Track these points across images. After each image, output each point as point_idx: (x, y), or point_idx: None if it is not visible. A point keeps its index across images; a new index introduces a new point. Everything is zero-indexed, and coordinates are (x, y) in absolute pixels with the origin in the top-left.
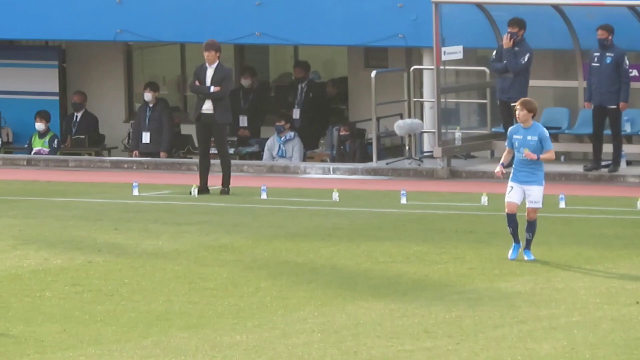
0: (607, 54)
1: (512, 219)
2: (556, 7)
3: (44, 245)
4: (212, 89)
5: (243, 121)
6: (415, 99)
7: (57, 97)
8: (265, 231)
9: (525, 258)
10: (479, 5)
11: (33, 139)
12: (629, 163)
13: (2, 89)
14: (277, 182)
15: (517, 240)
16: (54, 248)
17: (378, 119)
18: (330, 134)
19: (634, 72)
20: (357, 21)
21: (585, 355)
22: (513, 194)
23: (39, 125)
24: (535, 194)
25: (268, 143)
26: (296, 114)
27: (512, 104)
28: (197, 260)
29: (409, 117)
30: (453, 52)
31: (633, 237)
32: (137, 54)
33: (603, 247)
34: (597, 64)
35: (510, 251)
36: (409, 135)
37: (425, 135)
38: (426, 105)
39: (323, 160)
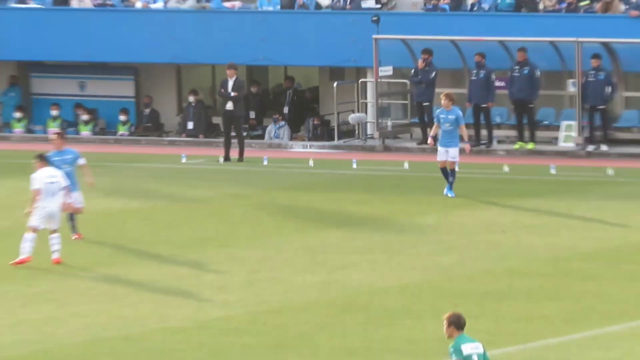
0: (481, 71)
1: (443, 170)
2: (452, 41)
3: (125, 194)
4: (232, 94)
5: (252, 115)
6: (362, 100)
7: (133, 99)
8: (267, 185)
9: (449, 195)
10: (403, 40)
11: (118, 126)
12: (498, 142)
13: (98, 94)
14: (273, 154)
15: (448, 182)
16: (132, 196)
17: (338, 113)
18: (307, 123)
19: (502, 83)
20: (326, 49)
21: (470, 265)
22: (442, 154)
23: (122, 118)
24: (453, 152)
25: (268, 129)
26: (286, 110)
27: (424, 104)
28: (222, 204)
29: (358, 112)
30: (386, 70)
31: (500, 189)
32: (184, 71)
33: (482, 195)
34: (475, 78)
35: (445, 190)
36: (358, 124)
37: (368, 124)
38: (369, 105)
39: (303, 140)
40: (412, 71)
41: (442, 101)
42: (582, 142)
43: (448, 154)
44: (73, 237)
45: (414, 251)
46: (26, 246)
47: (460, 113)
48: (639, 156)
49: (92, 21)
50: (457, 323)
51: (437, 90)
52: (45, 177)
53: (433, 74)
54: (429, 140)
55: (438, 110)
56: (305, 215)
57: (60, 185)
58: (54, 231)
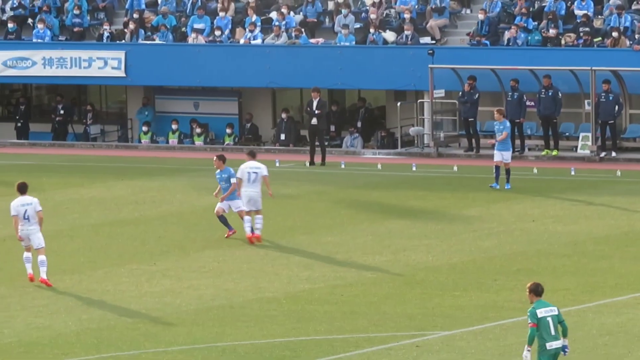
0: (515, 93)
1: (497, 168)
2: (492, 70)
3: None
4: (317, 112)
5: (332, 128)
6: (420, 117)
7: (237, 116)
8: (343, 184)
9: (507, 187)
10: (452, 69)
11: (225, 137)
12: (529, 149)
13: (209, 112)
14: (349, 160)
15: (497, 181)
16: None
17: (401, 127)
18: (376, 135)
19: (532, 103)
20: (391, 76)
21: (506, 247)
22: (497, 156)
23: (228, 131)
24: (507, 155)
25: (345, 139)
26: (359, 124)
27: (470, 119)
28: (308, 199)
29: (417, 126)
30: (439, 93)
31: (531, 187)
32: (278, 93)
33: (517, 192)
34: (510, 99)
35: (494, 184)
36: (417, 135)
37: (425, 135)
38: (426, 120)
39: (372, 149)
40: (460, 93)
41: (495, 115)
42: (596, 150)
43: (502, 156)
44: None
45: (461, 237)
46: (245, 226)
47: (508, 124)
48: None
49: (204, 54)
50: (535, 290)
51: (480, 108)
52: (248, 168)
53: (476, 96)
54: (489, 143)
55: (495, 122)
56: (374, 208)
57: (260, 175)
58: (258, 212)
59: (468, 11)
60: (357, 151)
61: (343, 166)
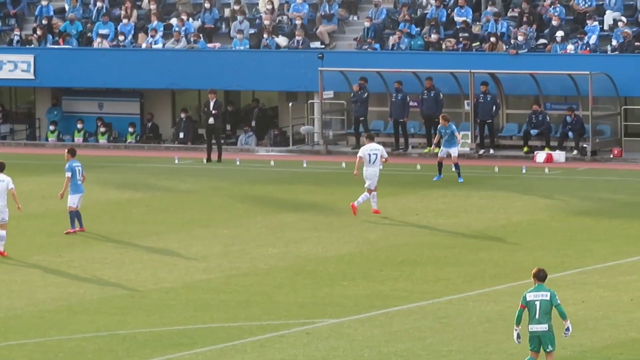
0: (399, 94)
1: (440, 164)
2: (378, 72)
3: (132, 187)
4: (213, 112)
5: (228, 127)
6: (310, 116)
7: (139, 116)
8: (238, 180)
9: (460, 181)
10: (341, 72)
11: (127, 136)
12: (412, 147)
13: (112, 112)
14: (244, 157)
15: (440, 173)
16: (136, 189)
17: (293, 126)
18: (269, 133)
19: (415, 103)
20: (284, 78)
21: (391, 239)
22: (443, 153)
23: (130, 130)
24: (454, 151)
25: (240, 137)
26: (253, 123)
27: (360, 118)
28: (205, 194)
29: (308, 125)
30: (328, 94)
31: (414, 182)
32: (177, 94)
33: (399, 187)
34: (394, 99)
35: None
36: (308, 134)
37: (315, 133)
38: (316, 119)
39: (266, 146)
40: (352, 94)
41: (441, 121)
42: (475, 147)
43: (449, 151)
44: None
45: (349, 229)
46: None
47: (454, 127)
48: (517, 158)
49: (108, 58)
50: (537, 275)
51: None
52: (368, 149)
53: (366, 95)
54: (432, 146)
55: (439, 126)
56: (268, 202)
57: (379, 155)
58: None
59: (355, 18)
60: (252, 149)
61: (238, 163)
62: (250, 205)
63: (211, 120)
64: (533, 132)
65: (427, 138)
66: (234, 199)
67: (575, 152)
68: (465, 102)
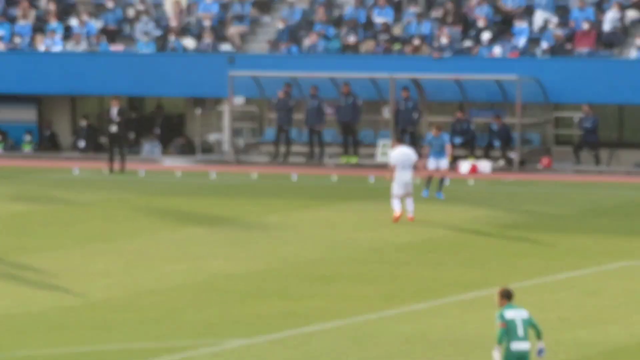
0: (314, 101)
1: (430, 178)
2: (292, 77)
3: (29, 199)
4: (116, 119)
5: (132, 135)
6: (220, 123)
7: (36, 123)
8: (143, 191)
9: (441, 198)
10: (252, 76)
11: (23, 145)
12: (329, 157)
13: (7, 119)
14: (148, 167)
15: (439, 186)
16: (34, 201)
17: (201, 134)
18: (176, 142)
19: (331, 110)
20: (191, 83)
21: (306, 254)
22: (432, 164)
23: (27, 138)
24: (444, 163)
25: (144, 146)
26: (157, 131)
27: (284, 127)
28: (107, 206)
29: (217, 133)
30: (239, 100)
31: (330, 195)
32: (77, 100)
33: (315, 199)
34: (310, 106)
35: (436, 194)
36: (217, 142)
37: (224, 142)
38: (225, 127)
39: (172, 156)
40: (276, 100)
41: (433, 131)
42: None
43: (439, 164)
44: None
45: (261, 244)
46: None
47: (447, 137)
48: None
49: (3, 61)
50: (505, 294)
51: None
52: (400, 154)
53: (292, 103)
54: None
55: (429, 136)
56: (175, 215)
57: (412, 160)
58: (409, 195)
59: (268, 18)
60: (157, 158)
61: (142, 174)
62: (156, 218)
63: (114, 129)
64: (457, 140)
65: (344, 147)
66: (138, 212)
67: (501, 162)
68: (385, 108)
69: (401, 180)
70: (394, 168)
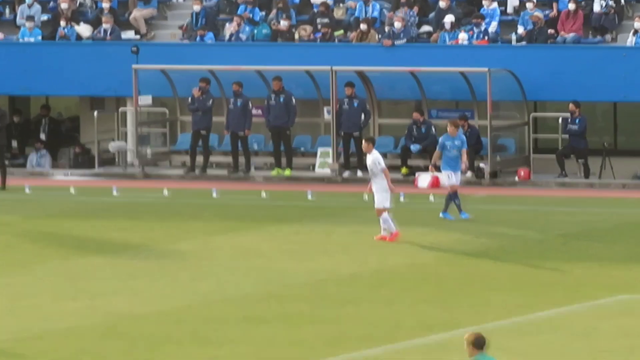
0: (238, 100)
1: (457, 194)
2: (210, 71)
3: None
4: None
5: (14, 144)
6: (122, 129)
7: None
8: (29, 212)
9: (464, 217)
10: (162, 70)
11: None
12: (256, 168)
13: None
14: (35, 182)
15: (461, 210)
16: None
17: (99, 142)
18: (68, 152)
19: (259, 111)
20: (86, 79)
21: (230, 290)
22: (453, 179)
23: None
24: (458, 177)
25: (29, 157)
26: (43, 138)
27: (202, 132)
28: None
29: (119, 140)
30: (146, 99)
31: (259, 216)
32: None
33: (240, 221)
34: (233, 107)
35: (456, 216)
36: (118, 152)
37: (128, 151)
38: (129, 133)
39: (64, 168)
40: (190, 99)
41: (448, 128)
42: (337, 169)
43: (454, 178)
44: None
45: (174, 277)
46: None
47: (465, 138)
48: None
49: None
50: (475, 342)
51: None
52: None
53: (210, 102)
54: (430, 168)
55: (442, 137)
56: (68, 242)
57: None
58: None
59: (180, 0)
60: (45, 172)
61: (28, 190)
62: (44, 245)
63: None
64: (414, 147)
65: (276, 156)
66: (23, 238)
67: (469, 173)
68: (325, 109)
69: (386, 188)
70: (387, 174)
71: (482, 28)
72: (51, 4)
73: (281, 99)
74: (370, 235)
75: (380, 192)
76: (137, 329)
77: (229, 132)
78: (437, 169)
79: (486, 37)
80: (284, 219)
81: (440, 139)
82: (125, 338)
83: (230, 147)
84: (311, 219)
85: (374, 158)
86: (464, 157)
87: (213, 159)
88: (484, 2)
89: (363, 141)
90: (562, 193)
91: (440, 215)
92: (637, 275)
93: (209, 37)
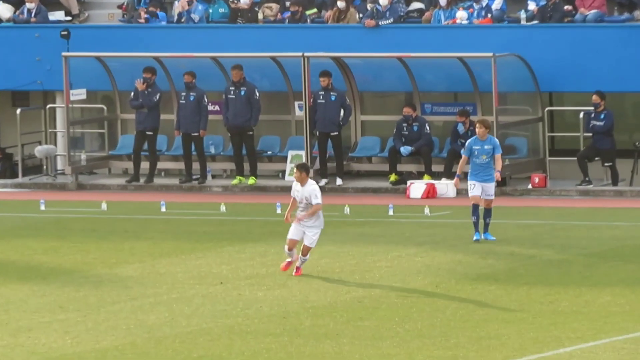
0: (191, 94)
1: (476, 209)
2: (155, 58)
3: None
4: None
5: None
6: (50, 130)
7: None
8: None
9: (488, 239)
10: (98, 58)
11: None
12: (213, 177)
13: None
14: None
15: (477, 230)
16: None
17: (23, 145)
18: None
19: (216, 107)
20: (6, 70)
21: (182, 323)
22: (476, 189)
23: None
24: (491, 189)
25: None
26: None
27: (147, 132)
28: None
29: (47, 143)
30: (79, 93)
31: (217, 233)
32: None
33: (195, 241)
34: (184, 102)
35: (477, 235)
36: (46, 158)
37: (58, 157)
38: (59, 135)
39: None
40: (132, 93)
41: (477, 129)
42: (316, 176)
43: (484, 190)
44: None
45: (115, 308)
46: None
47: (497, 142)
48: (378, 191)
49: None
50: None
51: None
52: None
53: (157, 97)
54: (455, 181)
55: (470, 141)
56: None
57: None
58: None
59: None
60: None
61: None
62: None
63: None
64: (404, 150)
65: (237, 162)
66: None
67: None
68: (296, 104)
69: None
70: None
71: (485, 4)
72: None
73: (242, 93)
74: (352, 257)
75: (318, 228)
76: None
77: (180, 132)
78: (463, 177)
79: (489, 15)
80: (247, 237)
81: (467, 143)
82: None
83: (181, 150)
84: (280, 237)
85: (312, 189)
86: (498, 164)
87: (161, 165)
88: None
89: (295, 170)
90: (584, 204)
91: (482, 237)
92: None
93: (161, 17)
